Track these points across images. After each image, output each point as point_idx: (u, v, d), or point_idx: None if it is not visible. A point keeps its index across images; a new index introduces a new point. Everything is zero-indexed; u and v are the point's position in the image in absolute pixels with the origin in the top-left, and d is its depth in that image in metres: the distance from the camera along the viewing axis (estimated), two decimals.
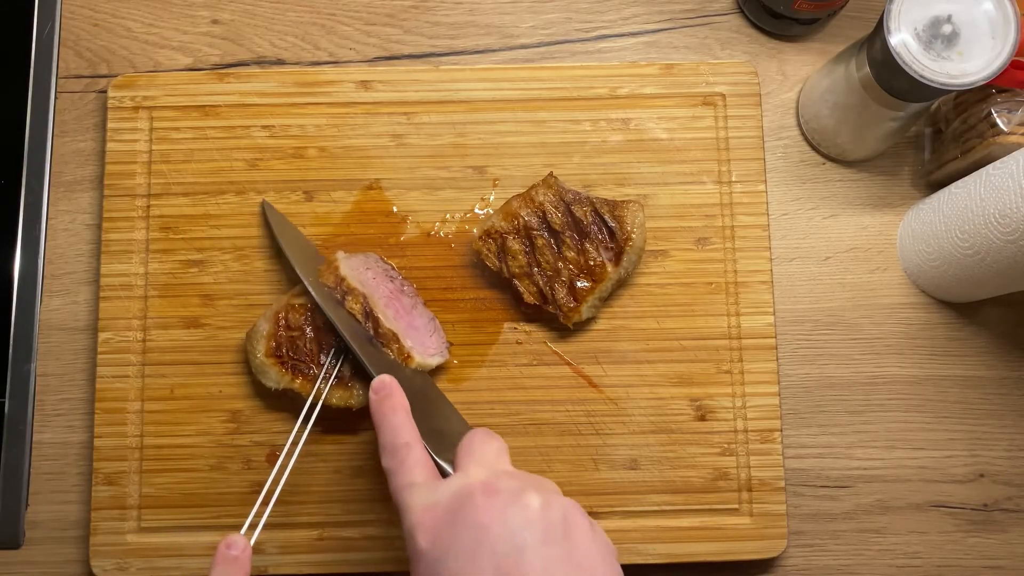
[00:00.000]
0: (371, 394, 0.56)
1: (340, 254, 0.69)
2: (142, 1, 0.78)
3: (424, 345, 0.68)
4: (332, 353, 0.67)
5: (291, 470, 0.62)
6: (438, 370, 0.70)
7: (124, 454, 0.69)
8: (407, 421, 0.55)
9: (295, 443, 0.63)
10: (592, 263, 0.69)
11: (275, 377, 0.67)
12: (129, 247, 0.71)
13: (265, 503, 0.60)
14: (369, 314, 0.67)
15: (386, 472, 0.54)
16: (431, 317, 0.70)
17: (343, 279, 0.68)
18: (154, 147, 0.73)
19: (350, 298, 0.67)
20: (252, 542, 0.54)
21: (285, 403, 0.70)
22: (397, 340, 0.67)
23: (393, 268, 0.70)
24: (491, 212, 0.72)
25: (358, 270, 0.69)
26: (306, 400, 0.66)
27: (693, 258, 0.72)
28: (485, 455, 0.53)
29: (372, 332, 0.67)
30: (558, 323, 0.70)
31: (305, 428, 0.64)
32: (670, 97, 0.74)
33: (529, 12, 0.78)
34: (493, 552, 0.47)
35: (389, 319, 0.68)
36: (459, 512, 0.49)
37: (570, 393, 0.70)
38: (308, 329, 0.67)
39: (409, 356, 0.67)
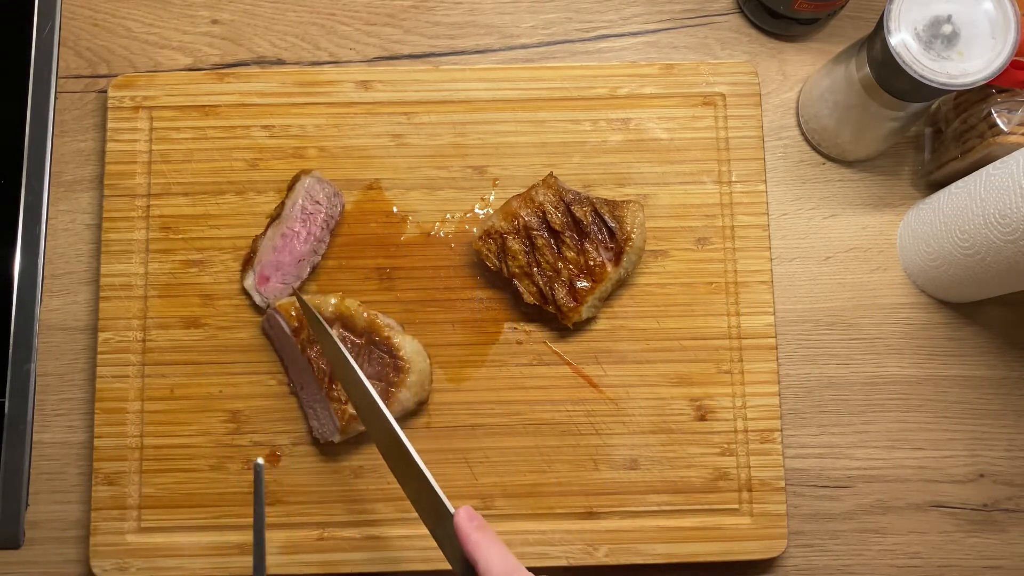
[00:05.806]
0: (464, 523, 0.56)
1: (315, 173, 0.71)
2: (142, 1, 0.78)
3: (266, 284, 0.70)
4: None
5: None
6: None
7: (124, 454, 0.69)
8: (504, 547, 0.56)
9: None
10: (592, 263, 0.69)
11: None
12: (129, 247, 0.71)
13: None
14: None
15: None
16: (310, 267, 0.71)
17: (290, 190, 0.70)
18: (154, 147, 0.73)
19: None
20: None
21: (285, 403, 0.70)
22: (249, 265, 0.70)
23: (333, 219, 0.71)
24: (491, 212, 0.72)
25: (312, 189, 0.70)
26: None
27: (693, 258, 0.72)
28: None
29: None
30: (558, 323, 0.70)
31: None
32: (670, 97, 0.74)
33: (529, 12, 0.78)
34: None
35: (267, 249, 0.70)
36: None
37: (570, 393, 0.70)
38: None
39: (243, 287, 0.70)
